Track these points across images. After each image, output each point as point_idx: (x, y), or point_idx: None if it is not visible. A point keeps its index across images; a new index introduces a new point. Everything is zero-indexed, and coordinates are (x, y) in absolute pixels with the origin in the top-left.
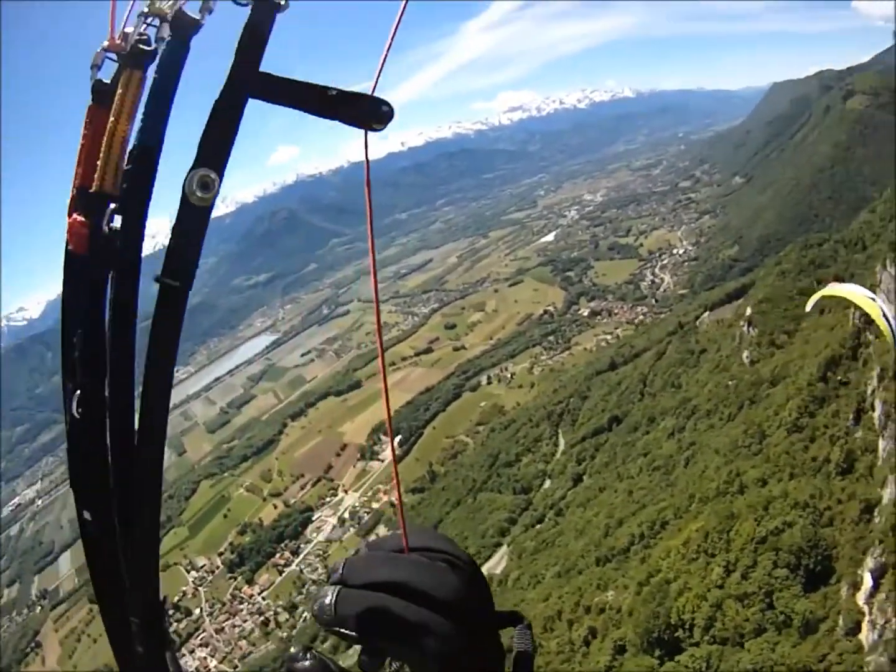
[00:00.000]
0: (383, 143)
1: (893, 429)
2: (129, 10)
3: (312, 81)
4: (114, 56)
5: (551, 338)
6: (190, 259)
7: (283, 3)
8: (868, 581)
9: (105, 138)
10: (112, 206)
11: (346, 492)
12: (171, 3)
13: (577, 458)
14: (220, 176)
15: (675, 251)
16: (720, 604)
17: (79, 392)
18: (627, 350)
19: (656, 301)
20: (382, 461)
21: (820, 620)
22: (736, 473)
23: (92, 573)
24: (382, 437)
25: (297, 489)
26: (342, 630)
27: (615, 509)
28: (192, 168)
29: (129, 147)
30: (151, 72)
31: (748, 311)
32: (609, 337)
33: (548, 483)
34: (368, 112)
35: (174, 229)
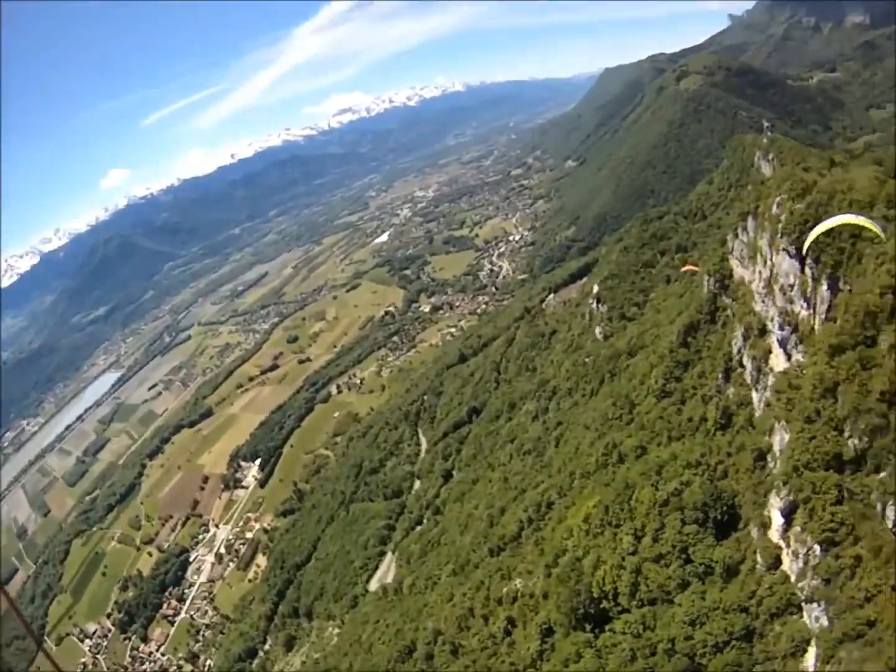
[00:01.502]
0: (213, 157)
1: (765, 381)
2: None
3: None
4: None
5: (395, 338)
6: None
7: None
8: (778, 519)
9: None
10: None
11: (217, 526)
12: None
13: (443, 455)
14: None
15: (511, 238)
16: (639, 569)
17: None
18: (475, 341)
19: (497, 289)
20: (247, 488)
21: (739, 563)
22: (613, 445)
23: None
24: (242, 464)
25: (168, 531)
26: None
27: (494, 499)
28: None
29: None
30: None
31: (595, 288)
32: (454, 330)
33: (418, 484)
34: None
35: None
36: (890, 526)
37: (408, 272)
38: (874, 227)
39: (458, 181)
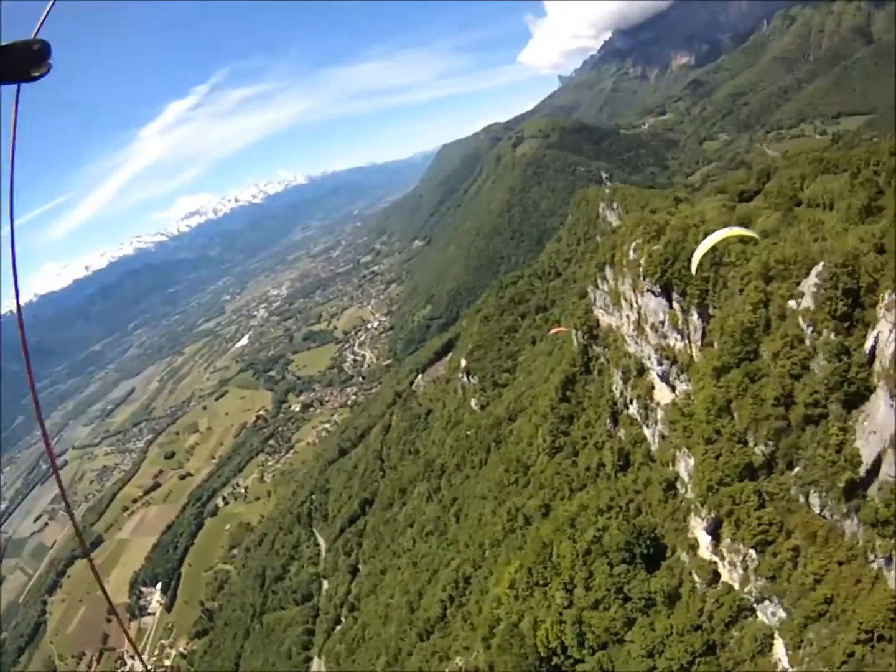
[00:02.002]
0: (67, 270)
1: (654, 416)
2: None
3: None
4: None
5: (272, 441)
6: None
7: None
8: (705, 538)
9: None
10: None
11: (133, 657)
12: None
13: (345, 551)
14: None
15: (369, 326)
16: (580, 619)
17: None
18: (352, 433)
19: (363, 378)
20: (153, 614)
21: (678, 587)
22: (515, 509)
23: None
24: (144, 590)
25: (85, 668)
26: None
27: (408, 585)
28: None
29: None
30: None
31: (463, 362)
32: (328, 425)
33: (326, 584)
34: (28, 60)
35: None
36: (817, 512)
37: (272, 373)
38: (748, 233)
39: (310, 275)
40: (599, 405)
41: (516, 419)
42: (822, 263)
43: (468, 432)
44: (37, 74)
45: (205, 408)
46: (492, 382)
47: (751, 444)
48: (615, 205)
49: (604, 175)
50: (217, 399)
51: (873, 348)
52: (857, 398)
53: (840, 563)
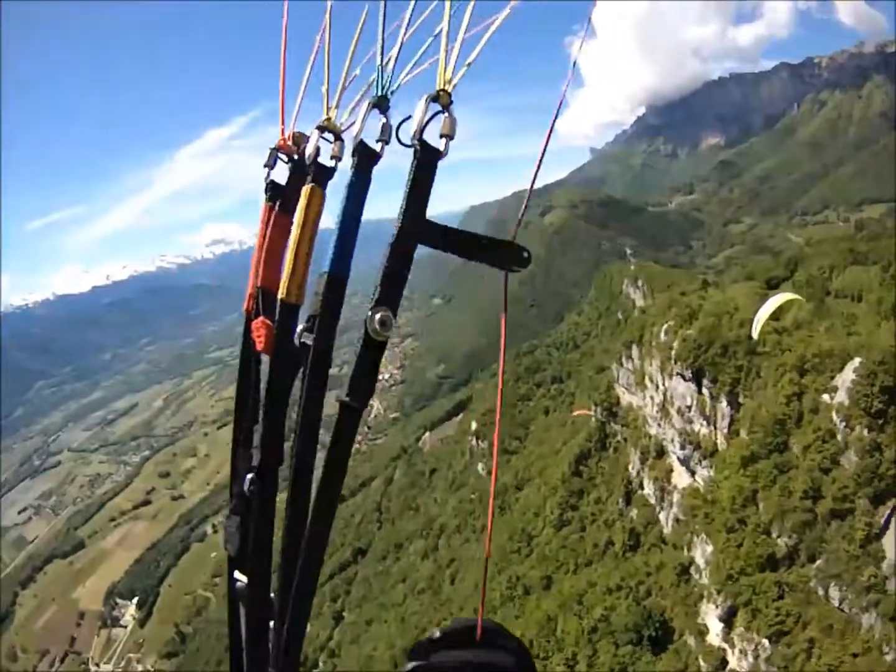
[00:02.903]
0: (88, 276)
1: (670, 499)
2: (296, 114)
3: (464, 230)
4: (283, 157)
5: None
6: (369, 386)
7: (443, 150)
8: (716, 625)
9: (291, 249)
10: (304, 323)
11: (97, 665)
12: (347, 123)
13: (332, 596)
14: (395, 315)
15: (381, 377)
16: None
17: (253, 475)
18: (353, 481)
19: (369, 428)
20: (125, 627)
21: (683, 671)
22: (516, 578)
23: (234, 640)
24: (119, 601)
25: (47, 666)
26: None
27: (394, 639)
28: (373, 307)
29: (323, 271)
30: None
31: (473, 425)
32: None
33: (308, 627)
34: (511, 256)
35: (358, 361)
36: (836, 605)
37: None
38: (797, 297)
39: None
40: (612, 483)
41: (523, 488)
42: (858, 360)
43: (472, 496)
44: (516, 269)
45: (206, 434)
46: (501, 448)
47: (774, 535)
48: (640, 282)
49: (628, 251)
50: (219, 428)
51: None
52: (885, 494)
53: (855, 655)
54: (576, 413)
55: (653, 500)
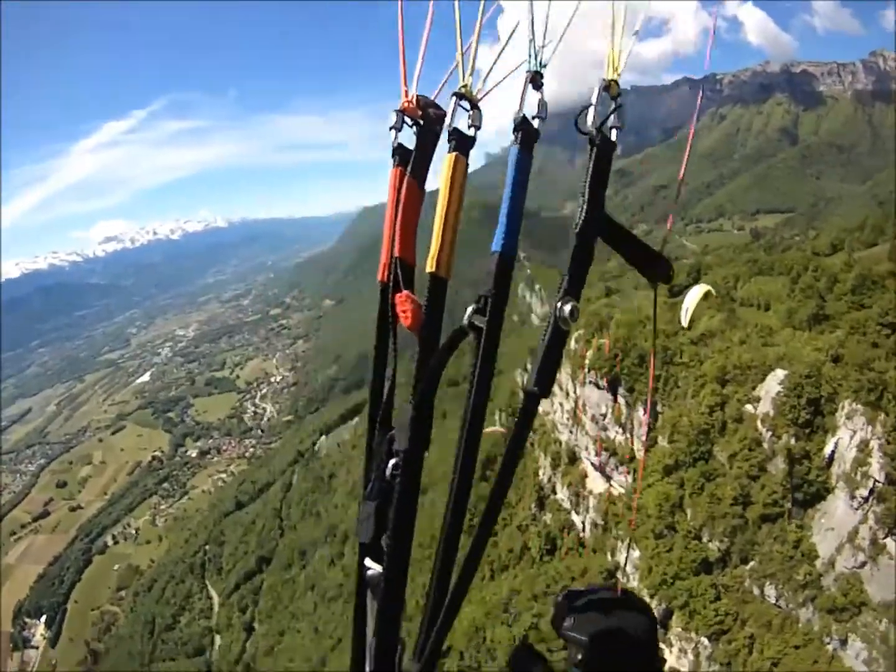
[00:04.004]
0: None
1: (586, 504)
2: (418, 74)
3: (631, 232)
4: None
5: (166, 484)
6: (552, 374)
7: (615, 140)
8: None
9: (439, 220)
10: (474, 304)
11: None
12: (482, 88)
13: (240, 607)
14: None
15: (272, 379)
16: None
17: (397, 460)
18: (250, 486)
19: (263, 432)
20: (37, 648)
21: None
22: (426, 586)
23: (358, 631)
24: (28, 621)
25: None
26: (574, 635)
27: (310, 651)
28: (561, 298)
29: (494, 250)
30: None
31: None
32: (224, 475)
33: (219, 639)
34: (662, 272)
35: (545, 350)
36: (773, 602)
37: (171, 414)
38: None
39: (218, 320)
40: (520, 487)
41: (427, 492)
42: (783, 372)
43: None
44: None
45: (101, 440)
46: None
47: (705, 539)
48: (537, 287)
49: (521, 254)
50: (114, 433)
51: (832, 453)
52: (814, 498)
53: (797, 647)
54: (489, 430)
55: (567, 505)
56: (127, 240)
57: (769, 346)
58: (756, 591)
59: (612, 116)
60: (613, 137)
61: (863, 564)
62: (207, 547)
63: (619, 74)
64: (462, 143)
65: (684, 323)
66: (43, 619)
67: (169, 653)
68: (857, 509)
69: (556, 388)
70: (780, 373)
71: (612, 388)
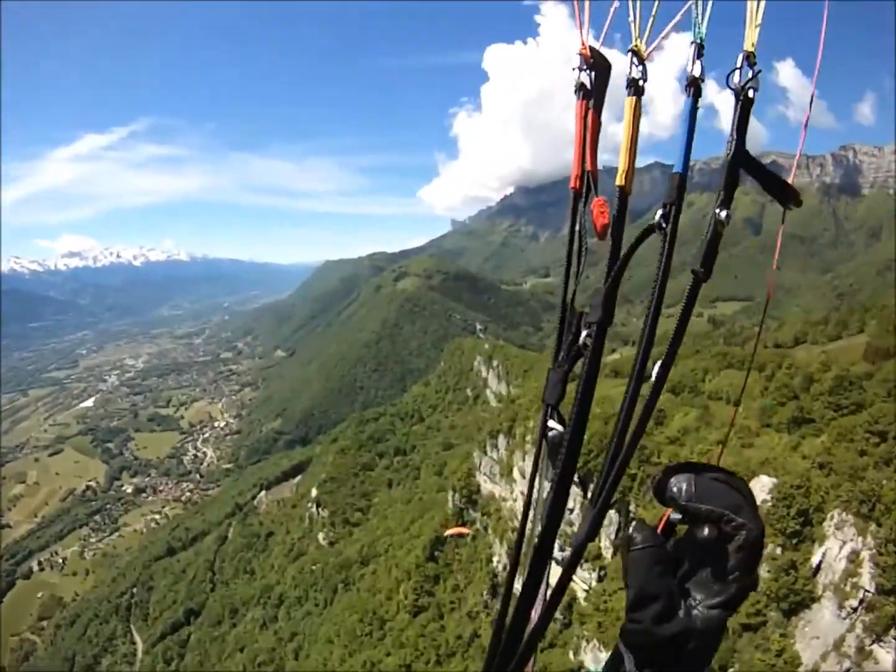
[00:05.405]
0: None
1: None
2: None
3: (764, 164)
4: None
5: (98, 517)
6: (712, 261)
7: (757, 89)
8: None
9: (625, 148)
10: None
11: None
12: (648, 45)
13: (164, 658)
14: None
15: (216, 424)
16: None
17: (590, 329)
18: (184, 533)
19: (201, 476)
20: None
21: None
22: (371, 663)
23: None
24: None
25: None
26: (699, 506)
27: None
28: (718, 206)
29: (675, 171)
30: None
31: (314, 491)
32: (158, 517)
33: None
34: (792, 197)
35: (708, 243)
36: None
37: (111, 445)
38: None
39: (169, 356)
40: (470, 571)
41: (368, 564)
42: (769, 479)
43: (313, 566)
44: (791, 207)
45: (37, 460)
46: (342, 519)
47: None
48: (495, 363)
49: (478, 326)
50: (51, 455)
51: (820, 562)
52: (798, 607)
53: None
54: (449, 532)
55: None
56: (90, 258)
57: (748, 447)
58: None
59: (752, 79)
60: (752, 95)
61: (847, 671)
62: (135, 590)
63: (754, 46)
64: (637, 90)
65: None
66: None
67: None
68: (844, 618)
69: (517, 476)
70: (765, 479)
71: (583, 484)
